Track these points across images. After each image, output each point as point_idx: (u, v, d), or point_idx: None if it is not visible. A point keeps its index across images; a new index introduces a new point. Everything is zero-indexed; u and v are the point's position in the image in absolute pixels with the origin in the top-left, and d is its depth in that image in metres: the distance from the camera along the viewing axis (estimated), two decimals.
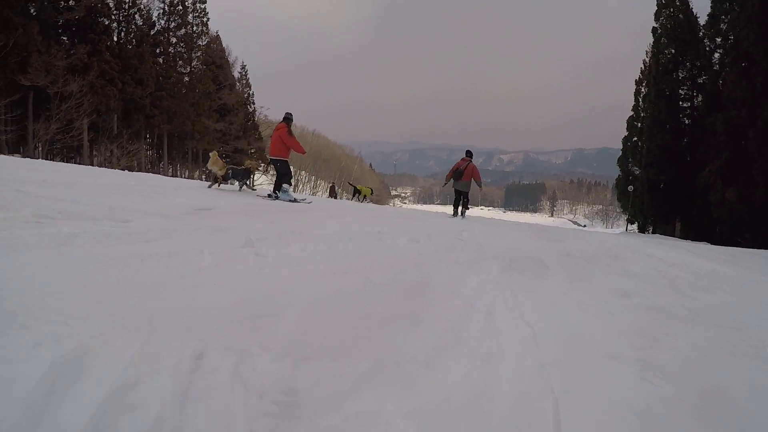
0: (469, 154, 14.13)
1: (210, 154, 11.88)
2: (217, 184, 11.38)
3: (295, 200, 11.20)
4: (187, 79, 46.05)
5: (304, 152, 11.81)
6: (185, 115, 43.94)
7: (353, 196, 23.07)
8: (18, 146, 30.28)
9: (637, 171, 35.88)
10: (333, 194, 32.56)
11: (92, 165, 31.49)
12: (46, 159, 28.60)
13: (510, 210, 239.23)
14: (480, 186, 13.79)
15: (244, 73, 59.09)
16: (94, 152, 34.80)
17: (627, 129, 37.48)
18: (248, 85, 59.21)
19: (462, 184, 13.49)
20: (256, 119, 59.83)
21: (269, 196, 11.38)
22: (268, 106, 66.47)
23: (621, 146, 37.62)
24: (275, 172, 11.81)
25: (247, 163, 12.52)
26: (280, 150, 11.17)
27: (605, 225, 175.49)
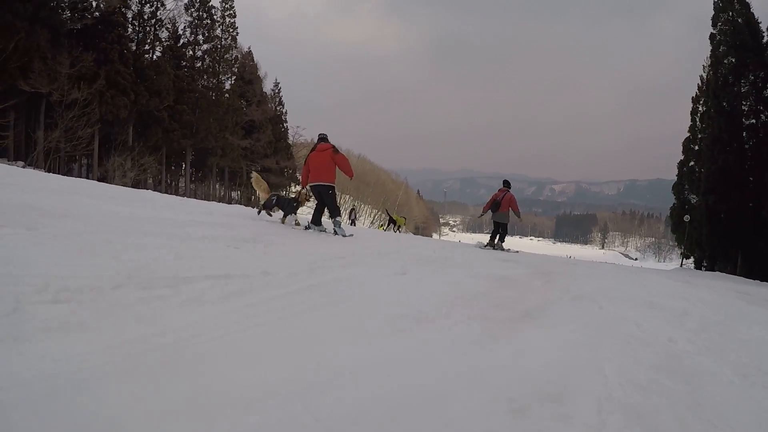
0: (506, 184, 13.95)
1: (252, 174, 10.81)
2: (266, 212, 10.20)
3: (349, 235, 9.56)
4: (213, 94, 44.47)
5: (352, 174, 10.00)
6: (208, 131, 42.55)
7: (387, 225, 22.17)
8: (20, 152, 29.10)
9: (694, 199, 31.80)
10: (351, 218, 30.17)
11: (98, 176, 30.23)
12: (47, 167, 27.56)
13: (560, 241, 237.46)
14: (518, 216, 13.62)
15: (277, 90, 57.44)
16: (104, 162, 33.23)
17: (683, 152, 33.40)
18: (281, 103, 57.51)
19: (500, 215, 13.34)
20: (290, 140, 58.36)
21: (308, 227, 9.73)
22: (303, 126, 64.51)
23: (675, 175, 33.60)
24: (318, 202, 9.97)
25: (299, 192, 10.52)
26: (326, 174, 9.48)
27: (657, 258, 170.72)
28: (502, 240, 13.49)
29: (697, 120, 32.64)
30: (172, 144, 41.32)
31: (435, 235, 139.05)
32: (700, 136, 31.84)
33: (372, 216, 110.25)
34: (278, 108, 56.69)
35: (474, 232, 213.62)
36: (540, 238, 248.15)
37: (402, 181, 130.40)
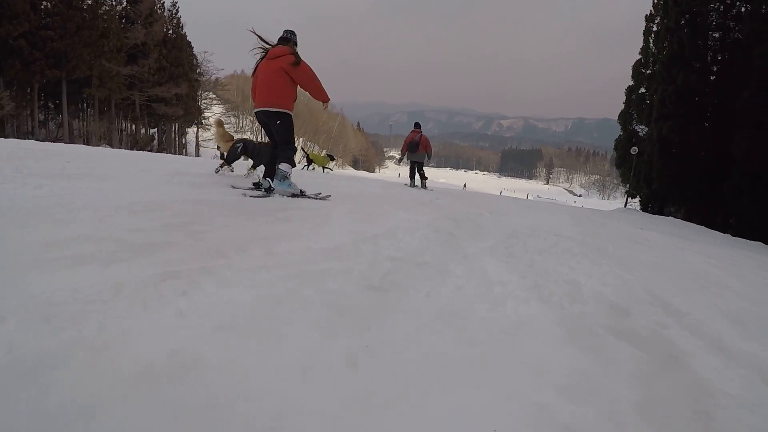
0: (417, 125, 13.91)
1: (213, 124, 9.37)
2: (227, 167, 7.83)
3: (302, 193, 6.13)
4: (85, 15, 36.48)
5: (326, 96, 6.21)
6: (79, 58, 35.54)
7: (307, 165, 18.61)
8: None
9: (642, 131, 27.16)
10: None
11: None
12: None
13: (505, 175, 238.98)
14: (429, 157, 13.77)
15: (174, 10, 48.95)
16: None
17: (632, 77, 28.36)
18: (179, 25, 49.21)
19: (418, 156, 13.56)
20: (197, 64, 52.04)
21: (256, 186, 6.35)
22: (211, 52, 56.56)
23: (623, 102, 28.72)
24: (266, 136, 6.63)
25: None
26: (276, 94, 5.91)
27: (601, 196, 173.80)
28: (423, 177, 13.86)
29: (651, 41, 27.45)
30: (34, 77, 34.38)
31: (377, 169, 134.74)
32: (653, 55, 26.85)
33: (300, 148, 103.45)
34: (175, 29, 48.36)
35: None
36: (485, 172, 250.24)
37: (338, 113, 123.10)
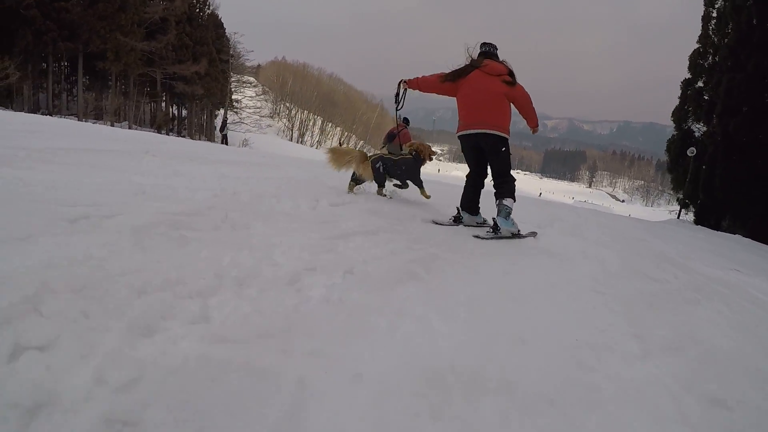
0: (406, 121, 13.25)
1: (337, 149, 6.39)
2: (378, 190, 6.35)
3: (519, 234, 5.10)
4: None
5: (537, 124, 5.69)
6: (92, 31, 34.04)
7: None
8: None
9: (699, 131, 23.72)
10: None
11: None
12: None
13: (547, 176, 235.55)
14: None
15: None
16: None
17: (689, 69, 24.80)
18: (206, 2, 47.30)
19: (393, 147, 10.12)
20: (228, 45, 50.47)
21: (456, 220, 5.47)
22: (242, 33, 55.10)
23: (670, 123, 25.22)
24: (473, 166, 5.52)
25: (414, 146, 6.35)
26: (496, 114, 5.11)
27: (645, 202, 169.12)
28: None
29: (711, 27, 23.90)
30: (47, 48, 33.02)
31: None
32: (712, 48, 23.44)
33: (338, 138, 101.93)
34: (201, 6, 46.38)
35: (461, 161, 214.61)
36: (527, 172, 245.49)
37: (377, 103, 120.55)
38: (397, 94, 5.74)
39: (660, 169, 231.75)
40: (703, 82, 23.95)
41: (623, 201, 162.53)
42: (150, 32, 39.50)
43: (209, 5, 47.70)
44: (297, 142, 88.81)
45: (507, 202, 4.91)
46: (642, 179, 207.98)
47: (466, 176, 5.54)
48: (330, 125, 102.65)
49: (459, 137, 5.28)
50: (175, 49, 41.01)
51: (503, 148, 5.07)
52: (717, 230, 18.65)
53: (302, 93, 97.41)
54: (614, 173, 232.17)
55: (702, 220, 21.80)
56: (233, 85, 57.99)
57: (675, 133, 25.11)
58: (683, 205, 24.89)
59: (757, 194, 17.63)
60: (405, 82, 5.60)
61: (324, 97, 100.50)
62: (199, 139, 49.97)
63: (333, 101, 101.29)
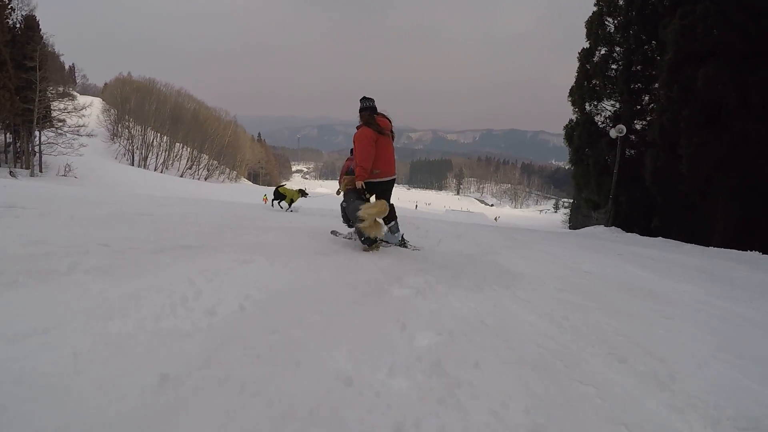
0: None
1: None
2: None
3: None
4: None
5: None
6: None
7: (275, 201, 15.03)
8: None
9: (612, 109, 19.43)
10: None
11: None
12: None
13: (415, 187, 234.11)
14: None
15: None
16: None
17: (587, 37, 20.04)
18: None
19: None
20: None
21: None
22: (52, 33, 45.03)
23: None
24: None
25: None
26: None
27: (514, 204, 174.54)
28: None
29: None
30: None
31: (283, 181, 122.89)
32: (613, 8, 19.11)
33: (186, 159, 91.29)
34: None
35: (327, 178, 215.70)
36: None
37: (230, 120, 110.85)
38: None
39: (525, 171, 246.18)
40: (607, 50, 19.28)
41: (492, 205, 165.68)
42: None
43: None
44: (139, 166, 77.65)
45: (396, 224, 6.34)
46: (509, 182, 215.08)
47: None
48: (179, 145, 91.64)
49: (379, 182, 6.20)
50: None
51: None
52: (651, 235, 13.56)
53: (145, 110, 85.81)
54: (481, 179, 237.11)
55: (629, 223, 16.59)
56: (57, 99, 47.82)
57: (576, 116, 20.09)
58: (593, 206, 19.87)
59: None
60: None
61: (171, 114, 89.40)
62: None
63: (177, 117, 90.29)
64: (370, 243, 5.73)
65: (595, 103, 19.46)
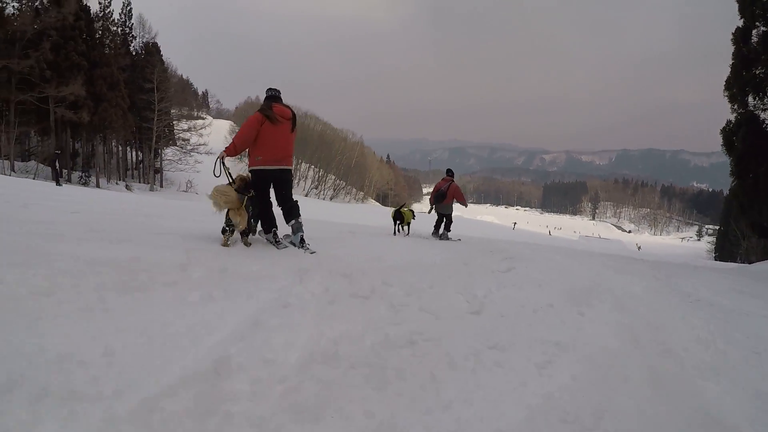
0: (450, 173, 12.52)
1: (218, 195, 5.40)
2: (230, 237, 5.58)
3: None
4: None
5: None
6: None
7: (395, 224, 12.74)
8: None
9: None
10: None
11: None
12: None
13: (548, 211, 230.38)
14: (465, 205, 12.58)
15: None
16: None
17: (740, 12, 15.59)
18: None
19: (444, 207, 11.93)
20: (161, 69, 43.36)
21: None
22: (169, 57, 48.01)
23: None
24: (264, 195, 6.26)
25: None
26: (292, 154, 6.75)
27: (653, 231, 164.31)
28: (447, 229, 11.84)
29: None
30: None
31: (415, 204, 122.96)
32: None
33: (310, 180, 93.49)
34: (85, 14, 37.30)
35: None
36: (527, 208, 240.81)
37: (357, 141, 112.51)
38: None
39: (665, 194, 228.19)
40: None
41: (630, 231, 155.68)
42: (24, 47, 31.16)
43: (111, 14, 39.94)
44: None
45: (301, 219, 6.23)
46: (647, 207, 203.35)
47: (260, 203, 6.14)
48: (305, 165, 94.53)
49: (267, 169, 6.07)
50: (51, 66, 32.06)
51: (292, 178, 6.52)
52: None
53: None
54: (617, 202, 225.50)
55: None
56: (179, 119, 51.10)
57: (736, 116, 15.77)
58: (762, 233, 15.40)
59: None
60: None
61: (298, 134, 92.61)
62: (115, 183, 41.01)
63: (303, 138, 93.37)
64: (232, 232, 5.46)
65: (761, 95, 15.04)
